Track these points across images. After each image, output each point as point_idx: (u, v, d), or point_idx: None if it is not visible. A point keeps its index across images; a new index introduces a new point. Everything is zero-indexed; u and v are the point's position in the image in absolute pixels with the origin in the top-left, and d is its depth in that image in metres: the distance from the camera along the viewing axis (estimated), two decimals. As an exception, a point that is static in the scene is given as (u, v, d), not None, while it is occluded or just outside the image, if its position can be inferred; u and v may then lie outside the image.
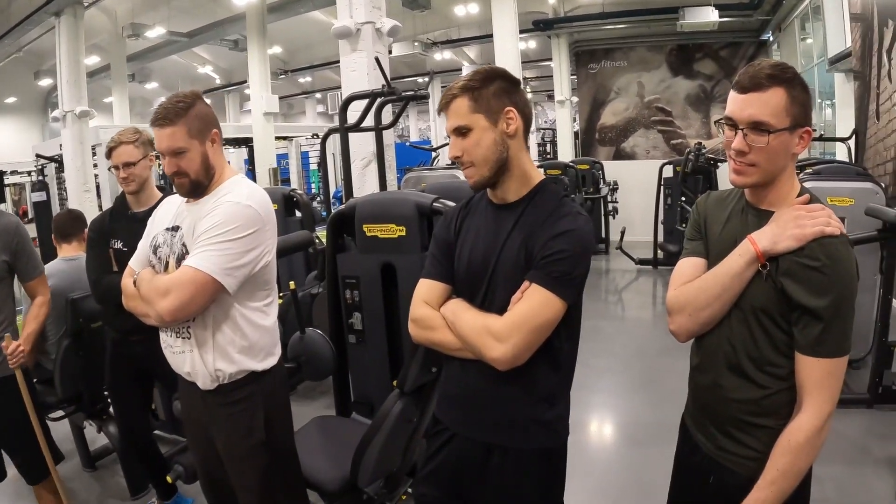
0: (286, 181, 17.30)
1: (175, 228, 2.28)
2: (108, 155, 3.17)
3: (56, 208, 14.76)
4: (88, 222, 3.50)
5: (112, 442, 3.98)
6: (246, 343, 2.24)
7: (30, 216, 16.87)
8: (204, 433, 2.38)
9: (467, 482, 1.95)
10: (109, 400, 3.80)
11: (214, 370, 2.23)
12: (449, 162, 7.25)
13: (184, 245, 2.22)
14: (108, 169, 3.01)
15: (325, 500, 2.70)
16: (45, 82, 20.13)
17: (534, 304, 1.74)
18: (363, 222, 3.03)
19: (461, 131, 1.83)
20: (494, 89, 1.83)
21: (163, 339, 2.35)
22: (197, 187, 2.25)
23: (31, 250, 3.13)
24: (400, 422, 2.37)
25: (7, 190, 19.11)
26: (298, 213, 5.98)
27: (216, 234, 2.12)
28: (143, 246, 2.38)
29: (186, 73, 22.74)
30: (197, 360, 2.24)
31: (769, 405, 1.68)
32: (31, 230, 16.58)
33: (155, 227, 2.39)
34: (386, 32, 5.93)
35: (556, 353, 1.84)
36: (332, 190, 12.66)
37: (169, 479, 3.42)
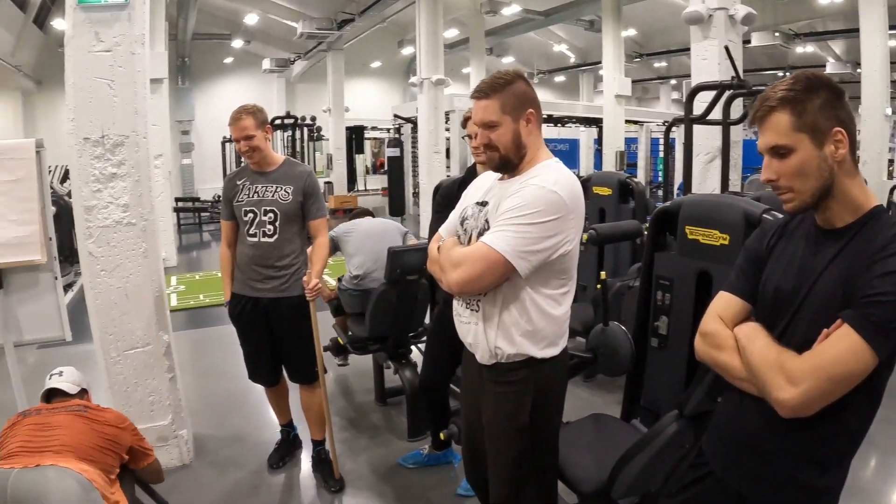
0: (632, 166, 17.15)
1: (483, 203, 2.30)
2: (464, 124, 3.34)
3: (408, 165, 16.11)
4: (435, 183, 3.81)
5: (404, 385, 4.23)
6: (530, 328, 2.20)
7: (385, 168, 18.72)
8: (474, 403, 2.43)
9: None
10: (423, 347, 4.08)
11: (494, 347, 2.23)
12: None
13: (486, 221, 2.23)
14: (462, 137, 3.19)
15: (578, 498, 2.63)
16: (407, 51, 22.16)
17: (841, 349, 1.46)
18: (686, 223, 2.83)
19: (779, 152, 1.57)
20: (820, 103, 1.54)
21: (454, 306, 2.41)
22: (506, 163, 2.24)
23: (319, 194, 3.73)
24: (671, 444, 2.19)
25: (367, 143, 21.41)
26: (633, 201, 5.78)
27: (516, 216, 2.09)
28: (454, 216, 2.44)
29: (542, 50, 23.41)
30: (480, 334, 2.26)
31: None
32: (383, 181, 18.41)
33: (467, 200, 2.44)
34: (739, 20, 5.57)
35: (848, 414, 1.54)
36: (678, 182, 12.27)
37: (442, 436, 3.66)
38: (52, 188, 10.82)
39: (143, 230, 3.75)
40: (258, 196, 3.58)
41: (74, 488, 2.17)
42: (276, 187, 3.58)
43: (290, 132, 17.52)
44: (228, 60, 22.90)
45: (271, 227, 3.56)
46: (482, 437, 2.40)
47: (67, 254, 7.72)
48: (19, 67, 16.58)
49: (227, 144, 18.81)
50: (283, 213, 3.56)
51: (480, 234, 2.22)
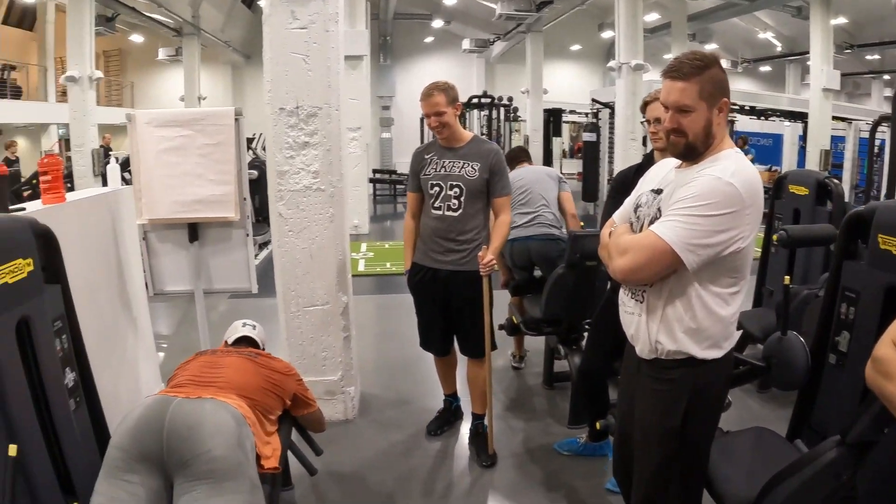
0: (838, 167, 15.93)
1: (658, 191, 2.22)
2: (643, 109, 3.27)
3: (604, 150, 15.93)
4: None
5: (571, 371, 4.22)
6: (694, 325, 2.11)
7: (580, 154, 18.61)
8: (629, 397, 2.39)
9: None
10: (587, 335, 4.05)
11: (655, 341, 2.17)
12: None
13: (658, 209, 2.15)
14: (640, 122, 3.14)
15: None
16: (607, 34, 21.78)
17: None
18: (880, 231, 2.58)
19: None
20: None
21: (620, 295, 2.36)
22: (691, 151, 2.13)
23: (505, 172, 3.76)
24: (826, 472, 2.00)
25: (565, 126, 21.31)
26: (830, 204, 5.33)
27: (688, 206, 2.00)
28: (628, 202, 2.38)
29: (747, 37, 22.34)
30: (642, 326, 2.20)
31: None
32: (579, 165, 18.29)
33: (643, 187, 2.37)
34: (958, 10, 5.00)
35: None
36: (885, 186, 11.31)
37: (598, 425, 3.60)
38: (255, 154, 11.65)
39: (332, 196, 3.99)
40: (445, 171, 3.68)
41: (228, 421, 2.30)
42: (464, 163, 3.66)
43: (486, 111, 17.76)
44: (429, 40, 23.65)
45: (456, 202, 3.65)
46: (633, 432, 2.36)
47: (266, 214, 8.29)
48: (228, 43, 18.15)
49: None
50: (468, 188, 3.64)
51: (652, 222, 2.15)
